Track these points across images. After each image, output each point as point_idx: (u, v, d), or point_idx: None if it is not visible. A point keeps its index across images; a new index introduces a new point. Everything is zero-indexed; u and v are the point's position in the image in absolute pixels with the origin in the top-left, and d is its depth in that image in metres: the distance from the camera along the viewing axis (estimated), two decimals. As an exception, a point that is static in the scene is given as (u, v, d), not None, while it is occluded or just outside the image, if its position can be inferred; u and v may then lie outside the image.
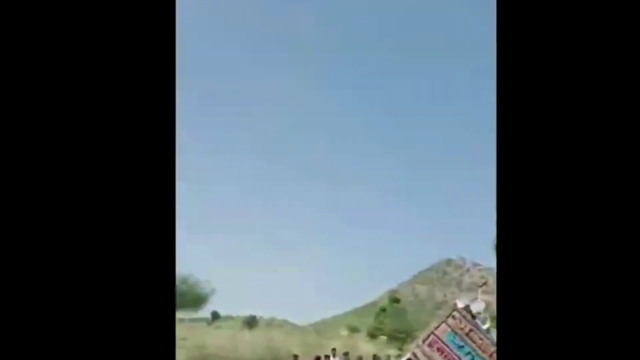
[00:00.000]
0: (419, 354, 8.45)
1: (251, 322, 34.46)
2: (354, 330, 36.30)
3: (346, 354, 17.60)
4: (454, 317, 8.64)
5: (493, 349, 8.33)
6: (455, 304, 8.95)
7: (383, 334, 35.55)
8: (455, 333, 8.51)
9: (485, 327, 8.64)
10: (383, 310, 37.13)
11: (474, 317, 8.65)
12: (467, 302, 8.89)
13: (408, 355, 8.79)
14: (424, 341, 8.58)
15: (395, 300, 40.67)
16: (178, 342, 23.32)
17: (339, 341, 23.41)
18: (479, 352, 8.32)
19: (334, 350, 17.98)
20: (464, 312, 8.69)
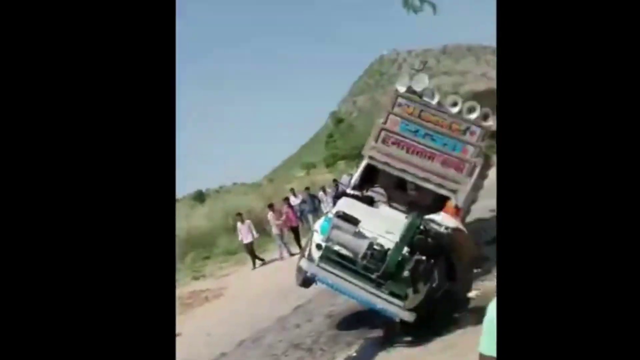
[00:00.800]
0: (377, 155, 7.44)
1: (200, 197, 32.69)
2: (309, 167, 35.82)
3: (307, 189, 16.84)
4: (399, 105, 7.38)
5: (450, 120, 7.18)
6: (396, 90, 7.59)
7: (340, 159, 35.49)
8: (407, 120, 7.23)
9: (435, 101, 7.35)
10: (330, 136, 36.47)
11: (420, 96, 7.33)
12: (407, 84, 7.52)
13: (365, 161, 7.83)
14: (376, 140, 7.38)
15: (339, 120, 39.87)
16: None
17: (297, 183, 22.73)
18: (437, 128, 7.17)
19: (292, 190, 17.19)
20: (408, 95, 7.37)
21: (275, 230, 13.69)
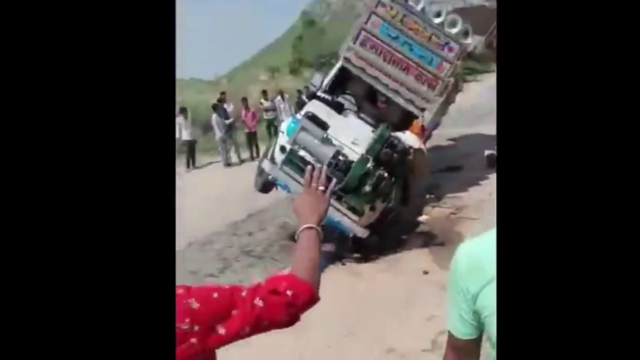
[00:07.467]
0: (353, 58, 6.89)
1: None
2: (274, 70, 34.44)
3: (264, 92, 15.87)
4: (382, 4, 6.66)
5: (431, 31, 6.73)
6: None
7: (306, 66, 34.25)
8: (388, 23, 6.70)
9: (419, 7, 6.80)
10: (299, 38, 34.71)
11: (406, -1, 6.76)
12: None
13: (340, 62, 7.30)
14: (354, 40, 6.84)
15: (310, 22, 37.74)
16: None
17: (257, 87, 21.79)
18: (418, 38, 6.71)
19: (264, 93, 15.71)
20: (393, -5, 6.71)
21: (218, 134, 12.80)
